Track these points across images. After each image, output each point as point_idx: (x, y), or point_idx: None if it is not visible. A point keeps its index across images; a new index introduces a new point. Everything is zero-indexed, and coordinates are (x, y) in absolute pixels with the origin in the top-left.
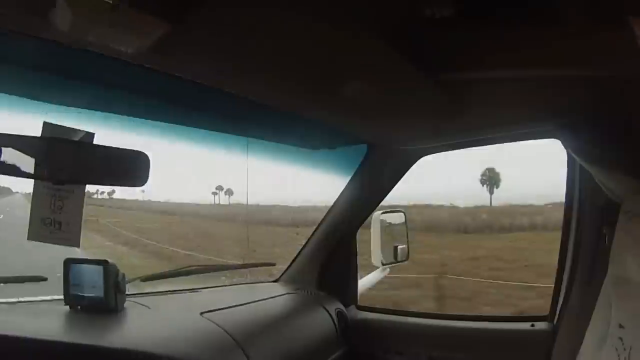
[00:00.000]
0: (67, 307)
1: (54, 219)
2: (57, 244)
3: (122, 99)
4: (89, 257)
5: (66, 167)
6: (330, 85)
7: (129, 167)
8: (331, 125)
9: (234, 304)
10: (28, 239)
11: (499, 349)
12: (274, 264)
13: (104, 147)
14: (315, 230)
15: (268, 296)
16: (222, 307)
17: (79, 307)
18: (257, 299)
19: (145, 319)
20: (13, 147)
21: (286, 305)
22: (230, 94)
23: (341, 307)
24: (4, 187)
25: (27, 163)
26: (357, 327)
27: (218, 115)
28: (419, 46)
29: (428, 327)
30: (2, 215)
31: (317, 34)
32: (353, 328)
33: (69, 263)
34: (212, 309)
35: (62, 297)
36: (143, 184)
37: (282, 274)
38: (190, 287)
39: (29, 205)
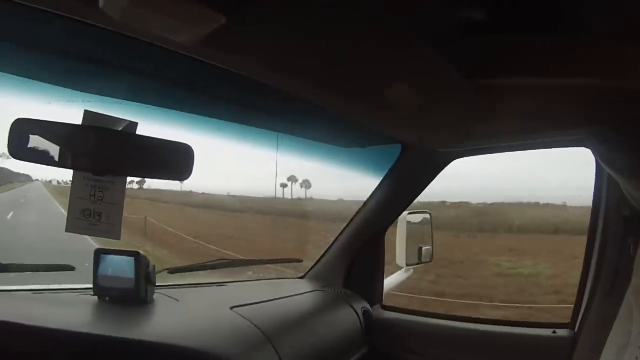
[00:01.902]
0: (95, 298)
1: (93, 209)
2: (97, 235)
3: (158, 90)
4: None
5: (107, 158)
6: (369, 87)
7: (173, 160)
8: (367, 125)
9: (264, 299)
10: (66, 230)
11: (520, 354)
12: (300, 260)
13: (148, 137)
14: (344, 229)
15: (296, 292)
16: (252, 302)
17: (107, 297)
18: (285, 295)
19: (175, 312)
20: (52, 135)
21: (314, 302)
22: (263, 88)
23: (367, 306)
24: (23, 174)
25: (66, 152)
26: (381, 327)
27: (249, 109)
28: (457, 51)
29: (451, 329)
30: (27, 193)
31: (360, 35)
32: (377, 327)
33: (99, 253)
34: (241, 303)
35: (89, 285)
36: (187, 178)
37: (309, 270)
38: (217, 281)
39: (48, 193)
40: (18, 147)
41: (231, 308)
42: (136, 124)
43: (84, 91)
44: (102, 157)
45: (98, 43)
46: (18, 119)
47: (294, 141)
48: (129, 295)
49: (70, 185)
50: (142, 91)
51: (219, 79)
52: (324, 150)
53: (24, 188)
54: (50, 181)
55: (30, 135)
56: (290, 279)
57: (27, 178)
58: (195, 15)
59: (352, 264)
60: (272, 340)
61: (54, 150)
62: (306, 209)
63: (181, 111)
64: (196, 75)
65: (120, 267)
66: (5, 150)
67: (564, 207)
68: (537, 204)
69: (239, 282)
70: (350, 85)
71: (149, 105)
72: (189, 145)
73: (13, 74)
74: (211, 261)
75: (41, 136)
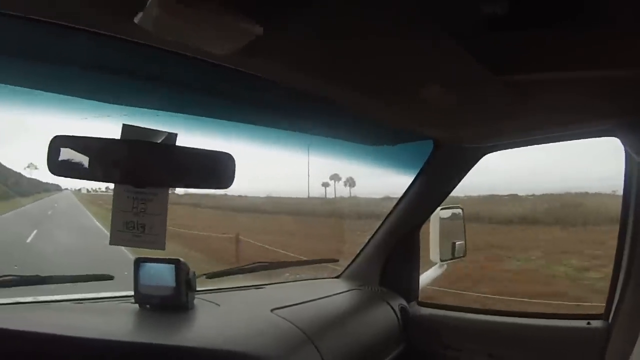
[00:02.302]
0: (136, 306)
1: (137, 222)
2: (141, 247)
3: (192, 100)
4: None
5: (148, 170)
6: (400, 86)
7: (214, 169)
8: (398, 123)
9: (303, 300)
10: (110, 243)
11: (555, 346)
12: (337, 260)
13: (188, 148)
14: (379, 227)
15: (334, 292)
16: (292, 303)
17: (147, 305)
18: (324, 295)
19: (216, 317)
20: (91, 150)
21: (352, 301)
22: (292, 91)
23: (404, 303)
24: (53, 183)
25: (105, 167)
26: (418, 323)
27: (279, 112)
28: (485, 47)
29: (487, 323)
30: (56, 204)
31: (388, 35)
32: (414, 324)
33: (139, 262)
34: (281, 305)
35: (129, 293)
36: (229, 186)
37: (344, 270)
38: (254, 284)
39: (78, 202)
40: (57, 164)
41: (272, 310)
42: (176, 135)
43: (121, 104)
44: (142, 170)
45: (131, 57)
46: (56, 136)
47: (324, 142)
48: (171, 302)
49: (101, 192)
50: (171, 100)
51: (247, 85)
52: (354, 150)
53: (52, 198)
54: (79, 190)
55: (69, 152)
56: (327, 279)
57: (56, 187)
58: (232, 26)
59: (387, 261)
60: (314, 341)
61: (93, 165)
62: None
63: (212, 118)
64: (226, 82)
65: (160, 274)
66: (33, 161)
67: (615, 196)
68: (586, 193)
69: (277, 284)
70: (381, 85)
71: (174, 114)
72: (229, 154)
73: (49, 91)
74: (248, 264)
75: (80, 152)
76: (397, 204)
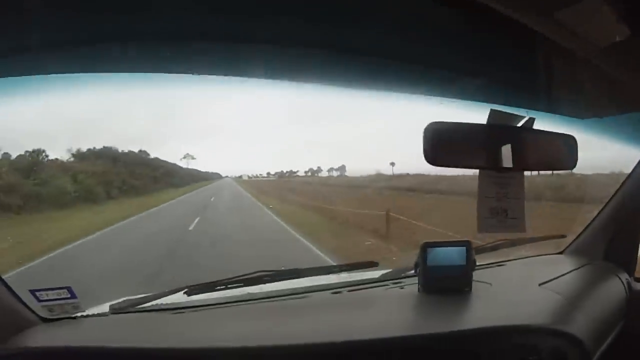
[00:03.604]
0: (421, 291)
1: (500, 207)
2: (505, 232)
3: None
4: None
5: (513, 154)
6: None
7: (560, 150)
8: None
9: (557, 275)
10: (479, 231)
11: None
12: (564, 236)
13: (539, 131)
14: (608, 201)
15: (574, 267)
16: (552, 277)
17: (432, 290)
18: (568, 270)
19: (494, 295)
20: (463, 137)
21: (592, 275)
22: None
23: (629, 278)
24: (213, 172)
25: (476, 152)
26: (635, 298)
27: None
28: None
29: None
30: (213, 198)
31: None
32: (632, 299)
33: (426, 247)
34: (545, 280)
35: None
36: (572, 168)
37: (568, 246)
38: (496, 261)
39: (234, 184)
40: (434, 153)
41: (539, 285)
42: (534, 119)
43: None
44: (506, 154)
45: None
46: (431, 123)
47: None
48: (459, 283)
49: (263, 178)
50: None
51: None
52: (558, 122)
53: (210, 187)
54: (240, 177)
55: (442, 139)
56: (553, 255)
57: (217, 176)
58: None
59: (613, 237)
60: (580, 311)
61: (467, 151)
62: None
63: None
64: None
65: (450, 257)
66: (189, 151)
67: None
68: None
69: (513, 261)
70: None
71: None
72: (572, 136)
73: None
74: (491, 242)
75: (453, 138)
76: (626, 179)
